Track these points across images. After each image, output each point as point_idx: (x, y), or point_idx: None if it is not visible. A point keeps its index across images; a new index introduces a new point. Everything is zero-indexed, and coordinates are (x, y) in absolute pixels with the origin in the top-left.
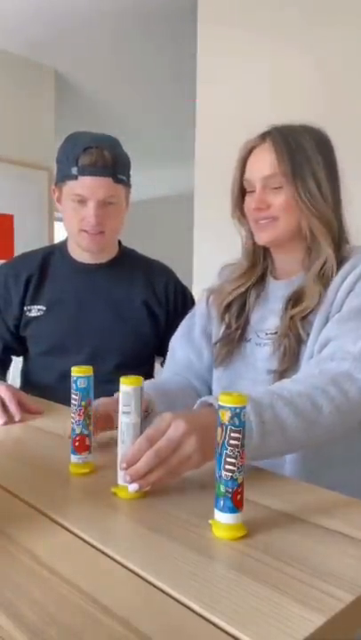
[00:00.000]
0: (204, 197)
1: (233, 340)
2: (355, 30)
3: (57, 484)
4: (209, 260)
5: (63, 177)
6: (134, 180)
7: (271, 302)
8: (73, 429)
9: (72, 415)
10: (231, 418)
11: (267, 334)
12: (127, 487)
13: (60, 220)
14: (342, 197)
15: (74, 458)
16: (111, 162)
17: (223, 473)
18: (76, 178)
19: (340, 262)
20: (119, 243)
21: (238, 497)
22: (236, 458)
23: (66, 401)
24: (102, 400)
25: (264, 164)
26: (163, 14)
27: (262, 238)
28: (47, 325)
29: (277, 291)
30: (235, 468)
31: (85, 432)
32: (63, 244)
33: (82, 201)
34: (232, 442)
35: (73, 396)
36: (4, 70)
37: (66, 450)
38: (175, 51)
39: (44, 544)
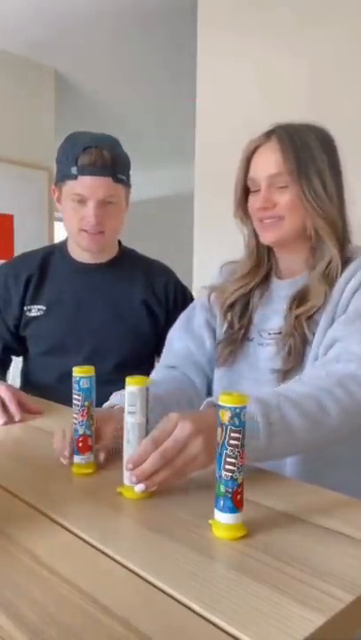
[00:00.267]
0: (204, 197)
1: (236, 340)
2: None
3: (57, 483)
4: (209, 260)
5: (63, 177)
6: (134, 180)
7: (275, 302)
8: (76, 430)
9: (74, 416)
10: (231, 418)
11: (270, 334)
12: (133, 487)
13: (60, 219)
14: (345, 197)
15: (77, 458)
16: (111, 161)
17: (223, 473)
18: (75, 178)
19: (346, 262)
20: (119, 243)
21: (238, 497)
22: (236, 458)
23: (66, 401)
24: (100, 416)
25: (269, 162)
26: (163, 14)
27: (267, 238)
28: (47, 325)
29: (281, 290)
30: (235, 468)
31: (88, 432)
32: (63, 244)
33: (81, 201)
34: (232, 442)
35: (75, 396)
36: (4, 70)
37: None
38: (175, 50)
39: (44, 544)
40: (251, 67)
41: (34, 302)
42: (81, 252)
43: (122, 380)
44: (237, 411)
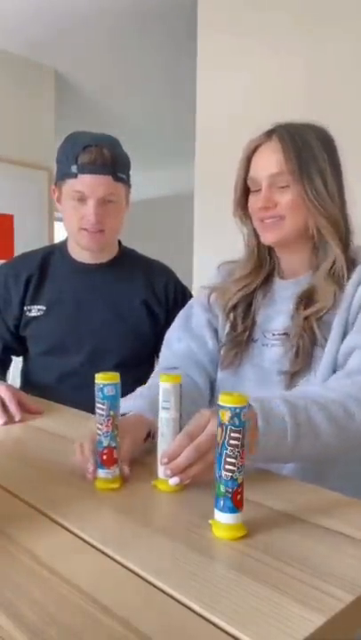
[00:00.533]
0: (204, 197)
1: (241, 342)
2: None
3: (57, 483)
4: (209, 259)
5: (63, 175)
6: (134, 180)
7: (278, 302)
8: (100, 441)
9: (98, 426)
10: (231, 418)
11: (274, 335)
12: (167, 481)
13: (60, 219)
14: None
15: (101, 472)
16: (111, 160)
17: (223, 473)
18: (75, 176)
19: (351, 263)
20: (119, 243)
21: (238, 497)
22: (236, 458)
23: (66, 401)
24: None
25: (270, 162)
26: (162, 14)
27: (269, 238)
28: (47, 325)
29: (284, 290)
30: (235, 468)
31: (113, 444)
32: (63, 244)
33: (82, 199)
34: (232, 442)
35: (99, 405)
36: (4, 70)
37: (66, 449)
38: (175, 51)
39: (44, 544)
40: (251, 67)
41: (34, 302)
42: (81, 252)
43: (122, 380)
44: (237, 411)
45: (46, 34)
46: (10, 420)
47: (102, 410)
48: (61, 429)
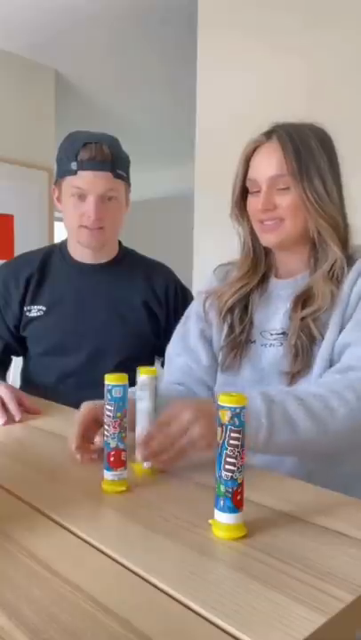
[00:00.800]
0: (204, 197)
1: (240, 343)
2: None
3: (57, 483)
4: (209, 260)
5: (63, 172)
6: (134, 180)
7: (275, 302)
8: (107, 443)
9: (106, 427)
10: (231, 418)
11: (272, 334)
12: (142, 464)
13: (60, 220)
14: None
15: (108, 474)
16: (111, 157)
17: (223, 473)
18: (75, 173)
19: (349, 262)
20: (119, 243)
21: (238, 497)
22: (236, 458)
23: (66, 401)
24: (89, 406)
25: (271, 163)
26: (163, 15)
27: (269, 240)
28: (47, 325)
29: (281, 290)
30: (235, 468)
31: (121, 446)
32: (63, 244)
33: (81, 196)
34: (232, 442)
35: (107, 406)
36: (4, 70)
37: (66, 449)
38: (175, 51)
39: (44, 544)
40: (251, 67)
41: (34, 303)
42: (81, 253)
43: None
44: (237, 411)
45: (47, 34)
46: (10, 419)
47: (110, 412)
48: (62, 429)
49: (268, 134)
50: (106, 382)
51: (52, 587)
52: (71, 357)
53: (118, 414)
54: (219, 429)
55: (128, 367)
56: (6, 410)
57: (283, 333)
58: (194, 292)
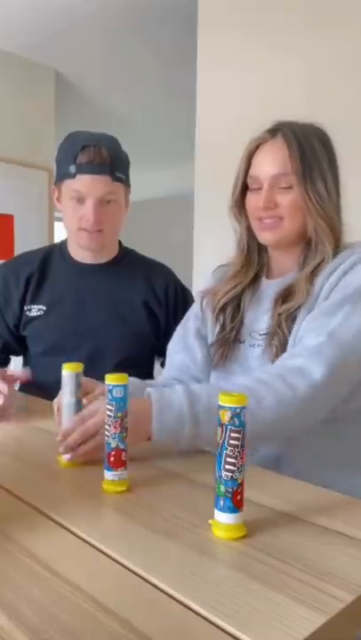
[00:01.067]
0: (204, 198)
1: (228, 341)
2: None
3: (57, 483)
4: (209, 260)
5: (62, 175)
6: (134, 180)
7: (264, 302)
8: (108, 443)
9: (106, 427)
10: (231, 418)
11: (260, 335)
12: (64, 457)
13: (60, 219)
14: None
15: (108, 474)
16: (109, 160)
17: (223, 473)
18: (74, 176)
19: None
20: (119, 243)
21: (238, 497)
22: (236, 458)
23: None
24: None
25: (275, 161)
26: (163, 14)
27: (267, 238)
28: (47, 325)
29: (269, 289)
30: (235, 468)
31: (122, 446)
32: (63, 244)
33: (80, 199)
34: (232, 442)
35: (108, 406)
36: (3, 70)
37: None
38: (175, 51)
39: (44, 544)
40: (251, 67)
41: (34, 302)
42: (81, 252)
43: None
44: (237, 411)
45: (47, 34)
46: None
47: (110, 412)
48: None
49: (273, 132)
50: (106, 382)
51: (52, 587)
52: (71, 357)
53: (119, 414)
54: (219, 429)
55: (128, 367)
56: None
57: (268, 333)
58: (194, 293)
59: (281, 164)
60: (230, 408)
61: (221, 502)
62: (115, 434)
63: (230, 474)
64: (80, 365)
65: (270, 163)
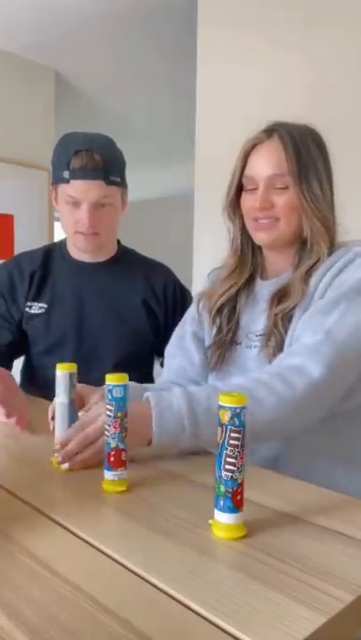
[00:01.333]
0: (204, 197)
1: (225, 343)
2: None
3: (57, 484)
4: (209, 260)
5: (57, 180)
6: (134, 180)
7: (260, 303)
8: (108, 443)
9: (106, 427)
10: (231, 418)
11: (257, 336)
12: (62, 466)
13: (59, 219)
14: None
15: (108, 474)
16: (102, 164)
17: (223, 473)
18: (68, 181)
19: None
20: (118, 242)
21: (238, 497)
22: (236, 458)
23: None
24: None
25: (271, 162)
26: (163, 14)
27: (263, 239)
28: (47, 323)
29: (264, 290)
30: (235, 468)
31: (121, 446)
32: (62, 243)
33: (75, 203)
34: (232, 442)
35: (107, 406)
36: (4, 70)
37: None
38: (175, 50)
39: (44, 544)
40: (251, 66)
41: (35, 300)
42: (80, 252)
43: None
44: (238, 411)
45: (46, 34)
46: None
47: (110, 411)
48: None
49: (269, 132)
50: (106, 382)
51: (52, 587)
52: (70, 356)
53: (119, 414)
54: (219, 429)
55: (127, 366)
56: None
57: (264, 334)
58: (193, 292)
59: (277, 165)
60: (230, 408)
61: (221, 502)
62: (115, 434)
63: (230, 474)
64: (74, 366)
65: (266, 163)
